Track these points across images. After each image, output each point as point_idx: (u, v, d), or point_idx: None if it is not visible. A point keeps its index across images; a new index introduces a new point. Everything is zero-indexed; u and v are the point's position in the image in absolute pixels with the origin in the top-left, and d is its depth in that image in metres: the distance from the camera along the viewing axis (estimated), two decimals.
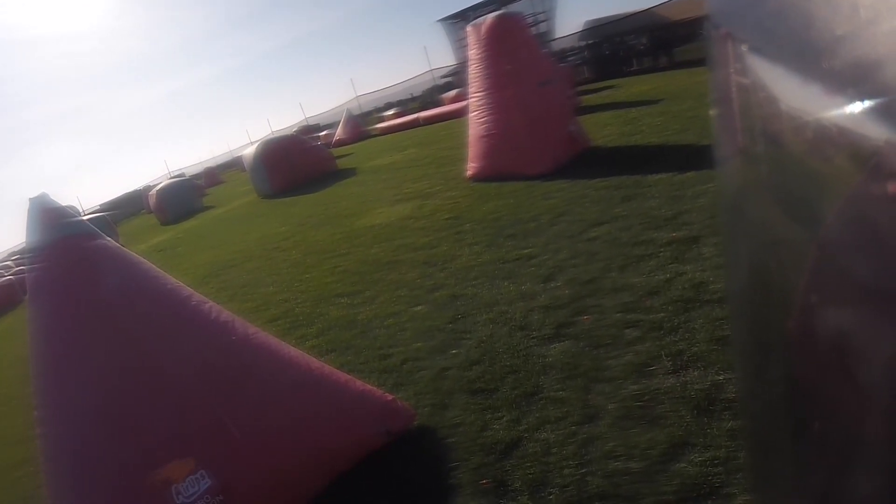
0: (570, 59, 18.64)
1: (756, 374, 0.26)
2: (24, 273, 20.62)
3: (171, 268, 10.50)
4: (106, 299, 2.44)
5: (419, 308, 4.40)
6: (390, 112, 27.28)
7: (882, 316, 0.15)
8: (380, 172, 12.58)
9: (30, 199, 2.56)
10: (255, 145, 16.41)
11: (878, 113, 0.14)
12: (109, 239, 2.68)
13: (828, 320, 0.19)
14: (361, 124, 27.90)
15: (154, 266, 2.79)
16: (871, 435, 0.18)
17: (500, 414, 2.84)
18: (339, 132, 26.92)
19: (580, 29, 22.86)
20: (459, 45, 23.04)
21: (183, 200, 20.94)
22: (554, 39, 24.28)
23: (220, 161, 53.94)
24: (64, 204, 2.62)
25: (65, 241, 2.49)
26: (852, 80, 0.15)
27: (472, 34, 7.93)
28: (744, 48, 0.22)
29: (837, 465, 0.20)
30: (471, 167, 8.14)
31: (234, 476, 2.31)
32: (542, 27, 22.85)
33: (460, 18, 25.50)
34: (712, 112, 0.28)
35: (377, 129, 26.05)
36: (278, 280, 6.56)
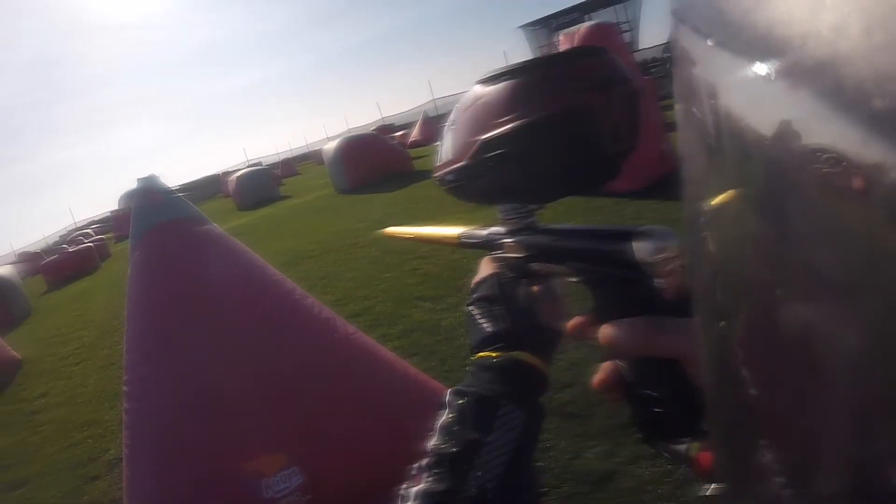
0: (652, 71, 17.82)
1: (721, 372, 0.26)
2: (101, 241, 21.29)
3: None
4: (209, 285, 2.42)
5: None
6: None
7: (847, 310, 0.16)
8: None
9: (138, 179, 2.59)
10: (337, 140, 16.48)
11: (844, 108, 0.14)
12: (216, 225, 2.69)
13: (793, 315, 0.18)
14: (438, 126, 27.31)
15: (259, 256, 2.74)
16: (836, 430, 0.17)
17: (593, 443, 2.72)
18: (415, 133, 26.55)
19: (665, 41, 21.99)
20: (541, 52, 22.41)
21: (260, 188, 21.45)
22: (637, 50, 23.62)
23: (297, 153, 54.70)
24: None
25: (171, 224, 2.50)
26: (818, 76, 0.15)
27: (566, 42, 7.76)
28: (708, 43, 0.22)
29: (804, 460, 0.20)
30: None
31: (324, 477, 2.23)
32: (627, 37, 22.23)
33: (542, 25, 25.16)
34: (676, 108, 0.28)
35: None
36: (358, 276, 6.59)
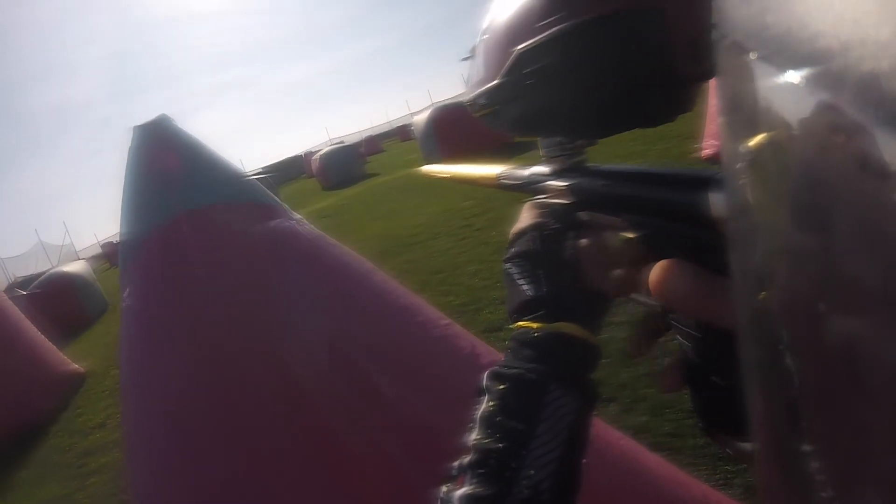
0: None
1: (764, 385, 0.24)
2: None
3: (340, 238, 9.64)
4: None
5: None
6: None
7: (891, 321, 0.16)
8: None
9: (134, 127, 1.25)
10: (428, 111, 15.33)
11: (887, 121, 0.15)
12: (296, 217, 1.41)
13: (836, 328, 0.18)
14: None
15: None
16: (881, 445, 0.17)
17: None
18: None
19: None
20: None
21: (345, 166, 20.46)
22: None
23: (380, 130, 55.13)
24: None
25: (203, 216, 1.26)
26: (861, 89, 0.15)
27: None
28: (752, 56, 0.21)
29: (847, 475, 0.19)
30: (708, 145, 6.20)
31: None
32: None
33: None
34: (719, 121, 0.25)
35: None
36: (485, 269, 5.13)
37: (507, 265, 0.61)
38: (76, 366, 6.96)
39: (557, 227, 0.60)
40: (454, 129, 14.29)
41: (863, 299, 0.17)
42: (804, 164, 0.19)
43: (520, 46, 0.51)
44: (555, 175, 0.62)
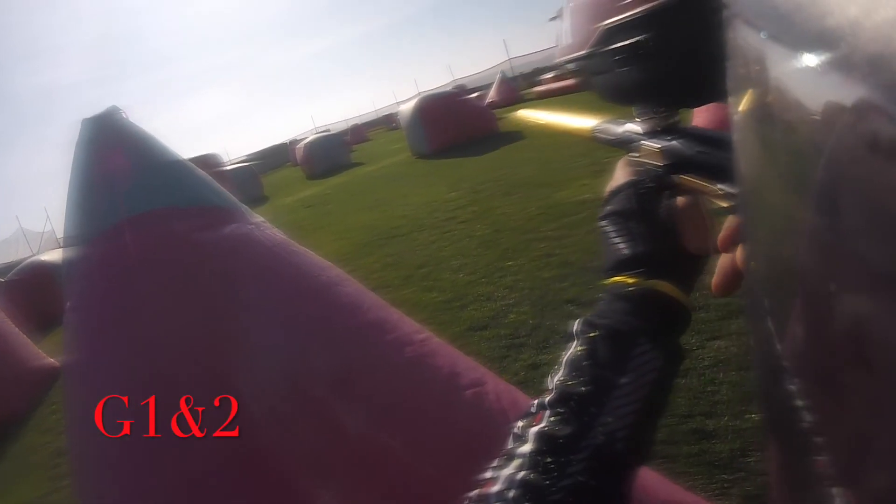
0: None
1: (772, 364, 0.24)
2: None
3: (323, 229, 9.48)
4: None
5: (719, 342, 2.70)
6: (549, 76, 25.12)
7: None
8: (558, 136, 10.69)
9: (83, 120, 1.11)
10: (414, 100, 15.13)
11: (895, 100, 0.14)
12: (258, 219, 1.19)
13: (844, 307, 0.18)
14: (516, 87, 26.18)
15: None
16: (889, 422, 0.17)
17: None
18: (491, 94, 25.40)
19: None
20: None
21: (331, 155, 20.25)
22: None
23: (366, 119, 54.85)
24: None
25: (151, 221, 1.11)
26: (871, 69, 0.15)
27: None
28: (762, 36, 0.21)
29: (856, 456, 0.19)
30: (698, 121, 6.10)
31: None
32: None
33: None
34: (730, 101, 0.27)
35: (534, 92, 24.17)
36: (469, 264, 4.99)
37: (603, 223, 0.61)
38: (51, 360, 6.67)
39: (652, 186, 0.60)
40: (441, 119, 14.11)
41: (871, 281, 0.17)
42: (814, 143, 0.18)
43: (606, 22, 0.51)
44: (648, 135, 0.61)
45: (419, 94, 16.91)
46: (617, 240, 0.58)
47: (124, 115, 1.28)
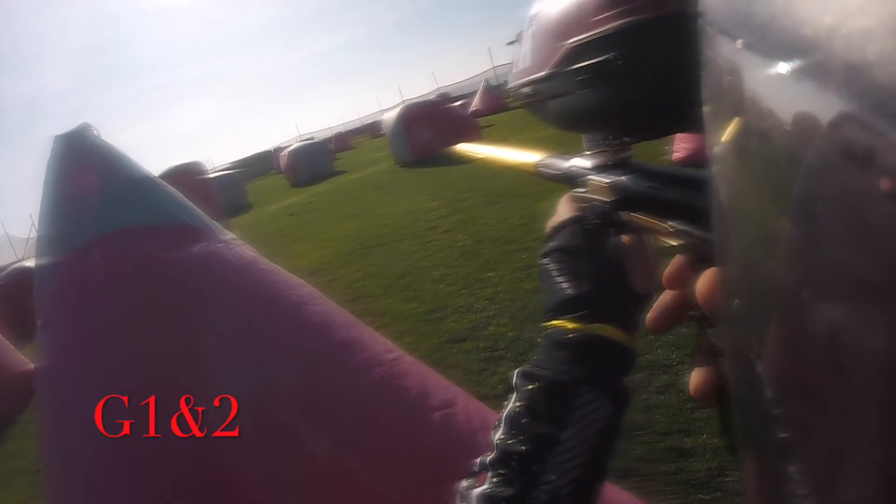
0: None
1: (748, 373, 0.24)
2: None
3: (306, 237, 9.44)
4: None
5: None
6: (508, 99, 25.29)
7: (874, 310, 0.16)
8: (544, 144, 10.69)
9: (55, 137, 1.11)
10: (398, 108, 15.15)
11: (872, 110, 0.15)
12: (229, 236, 1.17)
13: (820, 316, 0.18)
14: (500, 95, 26.33)
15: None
16: (865, 432, 0.17)
17: None
18: (475, 102, 25.52)
19: None
20: None
21: (315, 163, 20.24)
22: None
23: (351, 126, 54.83)
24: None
25: (119, 241, 1.09)
26: (846, 77, 0.16)
27: None
28: (737, 45, 0.21)
29: (831, 463, 0.19)
30: (679, 148, 6.16)
31: None
32: None
33: None
34: (704, 111, 0.27)
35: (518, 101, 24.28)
36: (450, 275, 5.00)
37: (545, 260, 0.59)
38: (34, 366, 6.59)
39: (598, 223, 0.58)
40: (425, 128, 14.11)
41: (848, 290, 0.17)
42: (789, 153, 0.19)
43: (571, 40, 0.49)
44: (597, 169, 0.59)
45: (403, 101, 16.95)
46: (559, 279, 0.56)
47: (95, 132, 1.27)
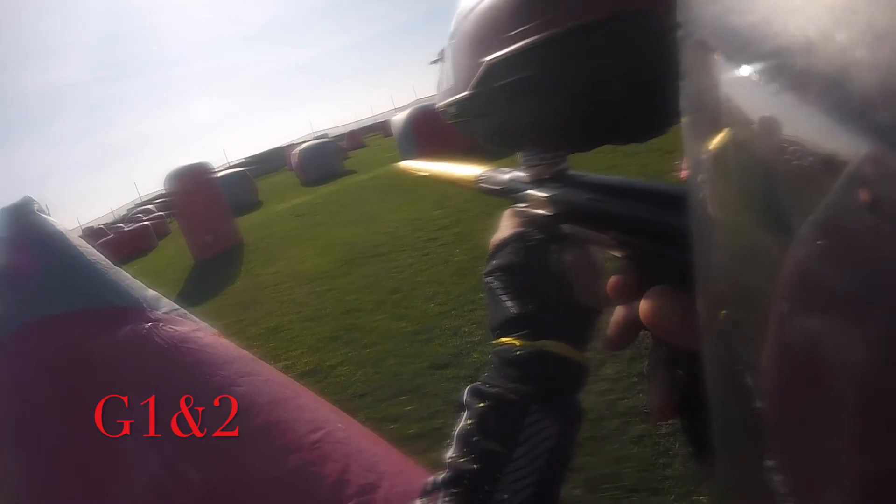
0: None
1: (727, 385, 0.25)
2: (161, 217, 20.98)
3: (307, 242, 9.47)
4: None
5: None
6: None
7: (856, 323, 0.16)
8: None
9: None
10: (407, 111, 15.14)
11: (854, 121, 0.15)
12: (194, 321, 1.15)
13: (801, 329, 0.19)
14: None
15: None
16: (845, 443, 0.17)
17: None
18: None
19: None
20: None
21: (324, 162, 20.36)
22: None
23: (364, 124, 54.99)
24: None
25: (52, 330, 1.05)
26: (825, 88, 0.16)
27: None
28: (716, 56, 0.22)
29: (810, 472, 0.19)
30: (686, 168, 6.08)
31: None
32: None
33: None
34: (683, 121, 0.26)
35: None
36: (442, 293, 4.97)
37: (489, 279, 0.58)
38: None
39: (540, 238, 0.57)
40: (433, 131, 14.00)
41: (827, 301, 0.17)
42: (768, 164, 0.19)
43: (489, 58, 0.47)
44: (535, 183, 0.58)
45: (417, 100, 16.93)
46: (504, 297, 0.55)
47: (37, 208, 1.27)
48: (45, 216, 1.27)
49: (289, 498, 1.04)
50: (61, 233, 1.27)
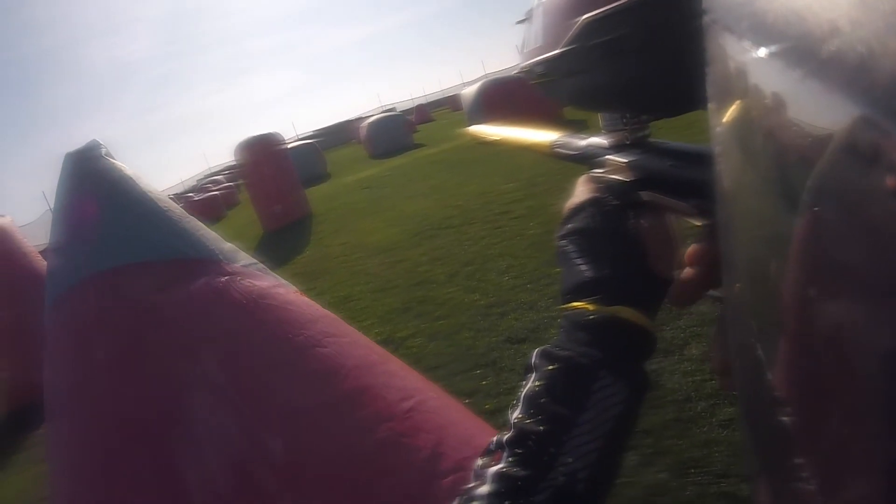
0: None
1: (754, 372, 0.24)
2: (230, 187, 21.55)
3: (377, 213, 9.46)
4: None
5: None
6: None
7: (881, 309, 0.16)
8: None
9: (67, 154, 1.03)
10: (477, 84, 14.91)
11: (877, 107, 0.15)
12: (272, 276, 1.05)
13: (826, 315, 0.18)
14: None
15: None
16: (870, 432, 0.17)
17: None
18: None
19: None
20: None
21: (393, 135, 20.35)
22: None
23: (432, 99, 55.01)
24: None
25: (121, 280, 0.97)
26: (850, 73, 0.16)
27: None
28: (742, 42, 0.21)
29: (837, 463, 0.19)
30: None
31: None
32: None
33: None
34: (710, 108, 0.27)
35: None
36: (517, 266, 4.80)
37: (563, 242, 0.58)
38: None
39: (617, 203, 0.56)
40: (503, 105, 13.62)
41: (851, 287, 0.17)
42: (793, 150, 0.19)
43: (587, 15, 0.49)
44: (615, 149, 0.58)
45: (485, 75, 16.69)
46: (578, 261, 0.54)
47: (104, 152, 1.18)
48: (113, 160, 1.18)
49: (378, 473, 0.92)
50: (131, 178, 1.18)
